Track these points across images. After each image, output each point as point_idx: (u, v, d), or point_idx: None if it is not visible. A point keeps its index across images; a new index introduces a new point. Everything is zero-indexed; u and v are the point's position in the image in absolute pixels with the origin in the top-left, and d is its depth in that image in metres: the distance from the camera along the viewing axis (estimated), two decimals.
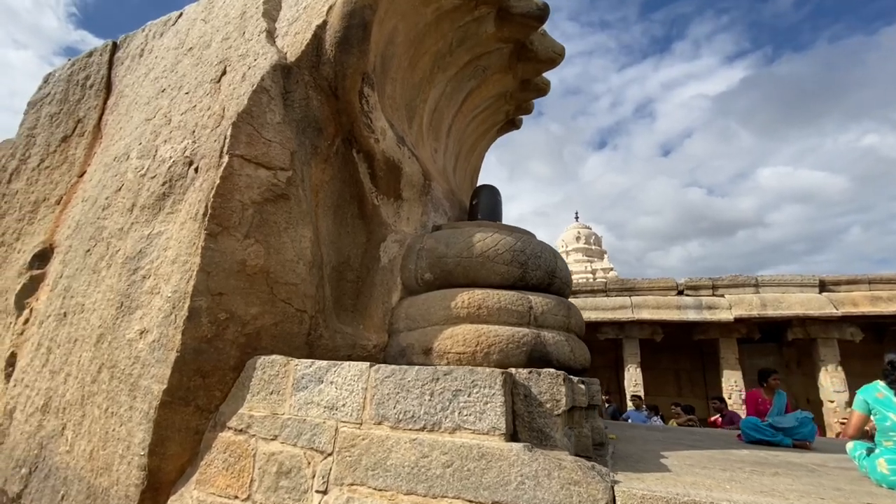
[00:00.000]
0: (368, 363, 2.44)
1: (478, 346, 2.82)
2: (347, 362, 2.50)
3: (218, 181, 2.88)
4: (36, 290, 4.71)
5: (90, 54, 5.58)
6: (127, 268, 3.28)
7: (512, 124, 5.67)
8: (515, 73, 4.62)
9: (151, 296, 3.07)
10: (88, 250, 3.80)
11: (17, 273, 4.84)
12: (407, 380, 2.28)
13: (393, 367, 2.36)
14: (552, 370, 2.27)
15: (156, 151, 3.69)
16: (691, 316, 8.78)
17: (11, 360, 4.45)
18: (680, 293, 9.32)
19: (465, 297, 3.01)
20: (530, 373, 2.25)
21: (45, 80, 5.84)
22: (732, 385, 8.53)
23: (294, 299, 3.04)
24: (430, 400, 2.20)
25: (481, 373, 2.14)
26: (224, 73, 3.69)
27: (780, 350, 10.28)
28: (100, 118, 5.25)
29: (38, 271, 4.74)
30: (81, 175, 5.04)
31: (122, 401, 2.97)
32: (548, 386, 2.21)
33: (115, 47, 5.43)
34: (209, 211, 2.85)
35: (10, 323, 4.66)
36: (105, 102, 5.30)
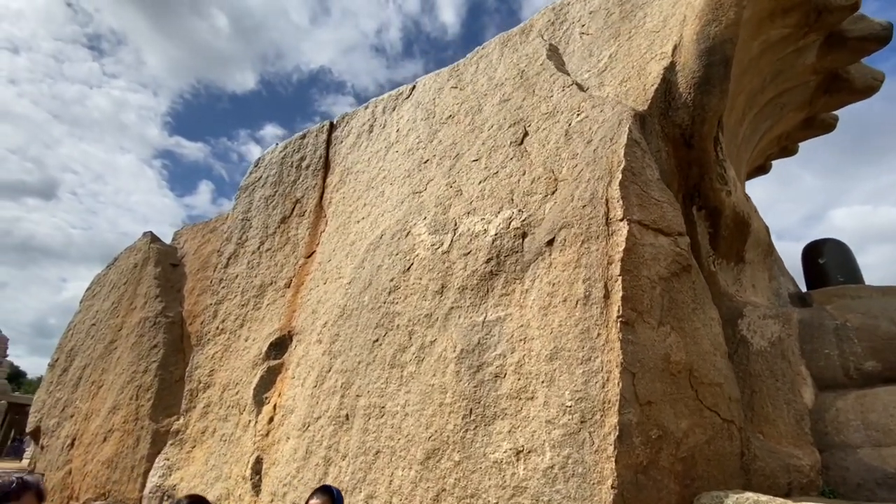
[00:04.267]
0: None
1: None
2: None
3: (621, 254, 2.29)
4: (274, 382, 4.32)
5: (303, 136, 5.61)
6: (465, 364, 2.71)
7: (761, 170, 4.95)
8: (812, 109, 3.96)
9: (518, 401, 2.43)
10: (377, 340, 3.33)
11: (251, 364, 4.51)
12: None
13: None
14: None
15: (455, 225, 3.26)
16: None
17: (258, 467, 3.96)
18: None
19: None
20: None
21: (256, 165, 5.93)
22: None
23: (720, 405, 2.28)
24: None
25: None
26: (526, 134, 3.29)
27: None
28: (320, 197, 5.12)
29: (276, 361, 4.38)
30: (309, 255, 4.81)
31: None
32: None
33: (332, 127, 5.41)
34: (617, 292, 2.24)
35: (249, 421, 4.25)
36: (324, 181, 5.19)
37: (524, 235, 2.85)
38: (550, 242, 2.67)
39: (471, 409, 2.58)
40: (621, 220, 2.37)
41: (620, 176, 2.47)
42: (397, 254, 3.55)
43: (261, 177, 5.77)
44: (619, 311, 2.20)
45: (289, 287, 4.70)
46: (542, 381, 2.38)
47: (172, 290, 6.98)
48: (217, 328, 5.11)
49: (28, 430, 7.21)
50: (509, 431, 2.41)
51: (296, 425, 3.71)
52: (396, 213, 3.84)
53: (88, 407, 6.47)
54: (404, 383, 3.02)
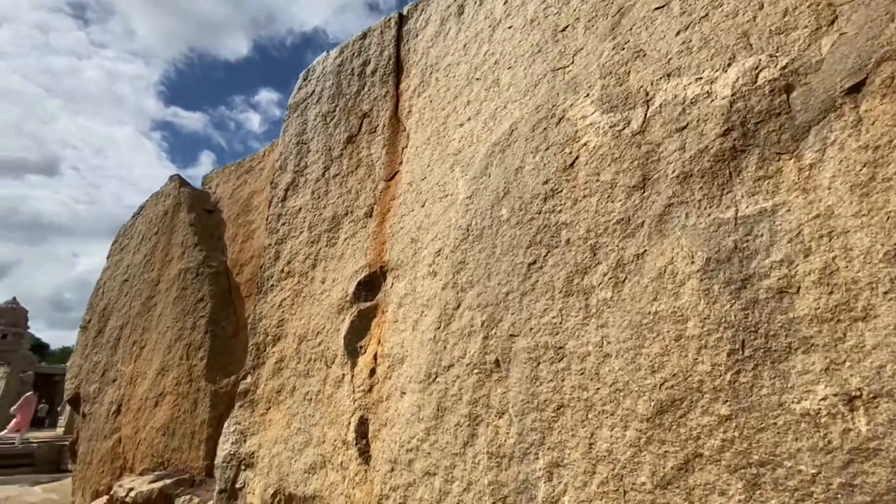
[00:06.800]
0: None
1: None
2: None
3: None
4: (369, 328, 3.54)
5: (363, 36, 4.57)
6: (719, 279, 1.86)
7: None
8: None
9: (835, 324, 1.59)
10: (533, 263, 2.48)
11: (335, 309, 3.72)
12: None
13: None
14: None
15: (647, 96, 2.32)
16: None
17: (362, 430, 3.24)
18: None
19: None
20: None
21: (305, 78, 4.93)
22: None
23: None
24: None
25: None
26: None
27: None
28: (395, 107, 4.15)
29: (368, 303, 3.58)
30: (391, 177, 3.91)
31: None
32: None
33: (401, 19, 4.37)
34: None
35: (342, 376, 3.50)
36: (398, 87, 4.21)
37: (788, 89, 1.92)
38: (854, 89, 1.74)
39: (742, 342, 1.75)
40: None
41: None
42: (547, 148, 2.64)
43: (313, 91, 4.78)
44: None
45: (371, 216, 3.83)
46: (886, 292, 1.53)
47: (212, 238, 6.16)
48: (282, 271, 4.30)
49: (66, 397, 6.64)
50: (825, 370, 1.59)
51: (413, 377, 2.95)
52: (530, 101, 2.89)
53: (132, 370, 5.83)
54: (595, 314, 2.19)
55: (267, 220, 4.64)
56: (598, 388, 2.10)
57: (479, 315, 2.67)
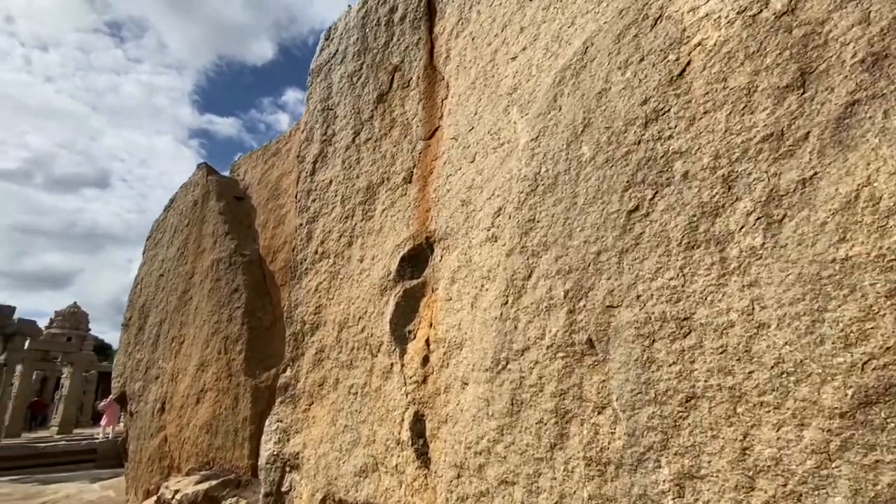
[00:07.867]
0: None
1: None
2: None
3: None
4: (417, 309, 3.05)
5: None
6: None
7: None
8: None
9: None
10: (634, 210, 1.87)
11: (377, 289, 3.26)
12: None
13: None
14: None
15: None
16: None
17: (418, 427, 2.77)
18: None
19: None
20: None
21: (327, 38, 4.43)
22: None
23: None
24: None
25: None
26: None
27: None
28: (430, 54, 3.59)
29: (414, 281, 3.08)
30: (430, 135, 3.37)
31: None
32: None
33: None
34: None
35: (390, 365, 3.04)
36: (431, 32, 3.63)
37: None
38: None
39: None
40: None
41: None
42: (642, 59, 2.01)
43: (336, 51, 4.27)
44: None
45: (410, 182, 3.31)
46: None
47: (242, 226, 5.84)
48: (315, 253, 3.87)
49: (113, 396, 6.61)
50: None
51: (477, 364, 2.43)
52: (609, 7, 2.26)
53: (173, 366, 5.63)
54: (737, 270, 1.59)
55: (296, 197, 4.21)
56: (749, 372, 1.50)
57: (559, 284, 2.10)
